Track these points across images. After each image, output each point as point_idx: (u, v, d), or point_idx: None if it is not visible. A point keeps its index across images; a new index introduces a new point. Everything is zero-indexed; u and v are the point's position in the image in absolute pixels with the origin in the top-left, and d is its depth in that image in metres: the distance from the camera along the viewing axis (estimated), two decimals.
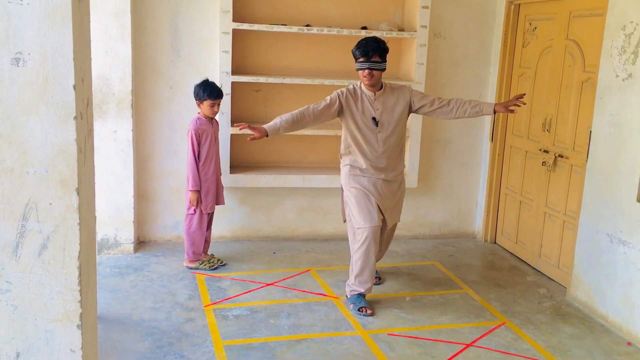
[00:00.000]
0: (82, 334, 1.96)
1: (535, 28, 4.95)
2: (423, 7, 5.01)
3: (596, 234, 4.08)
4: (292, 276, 4.59)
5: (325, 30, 4.94)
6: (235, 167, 5.11)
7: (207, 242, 4.72)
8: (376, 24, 5.15)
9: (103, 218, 4.74)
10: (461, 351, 3.58)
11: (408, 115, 4.07)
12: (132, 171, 4.82)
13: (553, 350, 3.65)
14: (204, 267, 4.63)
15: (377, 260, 4.20)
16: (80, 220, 1.90)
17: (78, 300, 1.93)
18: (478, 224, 5.67)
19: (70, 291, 1.92)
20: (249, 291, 4.29)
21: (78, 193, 1.88)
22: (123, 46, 4.62)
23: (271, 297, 4.21)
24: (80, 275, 1.92)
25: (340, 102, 3.89)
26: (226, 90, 4.81)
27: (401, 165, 4.09)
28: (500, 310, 4.16)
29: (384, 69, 3.87)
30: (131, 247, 4.90)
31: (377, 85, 3.92)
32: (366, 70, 3.81)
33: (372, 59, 3.78)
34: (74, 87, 1.82)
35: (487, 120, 5.47)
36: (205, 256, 4.71)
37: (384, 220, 4.04)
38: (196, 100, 4.49)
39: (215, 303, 4.08)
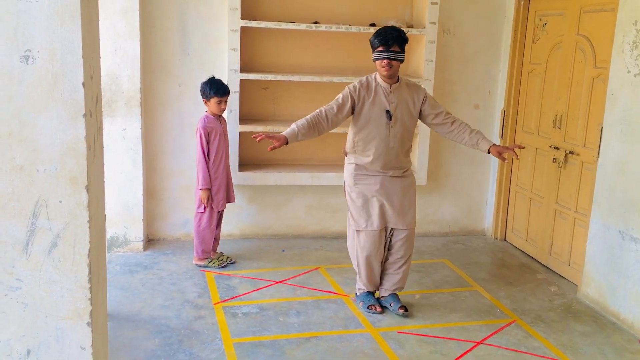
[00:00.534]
0: (92, 331, 1.96)
1: (546, 24, 4.91)
2: (432, 3, 4.99)
3: (607, 231, 4.05)
4: (301, 274, 4.58)
5: (334, 28, 4.93)
6: (243, 165, 5.11)
7: (216, 240, 4.72)
8: (385, 20, 5.12)
9: (112, 216, 4.75)
10: (471, 349, 3.56)
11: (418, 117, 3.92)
12: (141, 169, 4.83)
13: (564, 348, 3.62)
14: (213, 265, 4.63)
15: (397, 287, 3.98)
16: (90, 217, 1.90)
17: (88, 298, 1.93)
18: (488, 222, 5.64)
19: (81, 288, 1.92)
20: (258, 289, 4.29)
21: (88, 191, 1.88)
22: (132, 44, 4.63)
23: (280, 295, 4.20)
24: (90, 272, 1.92)
25: (352, 97, 3.73)
26: (234, 88, 4.81)
27: (408, 162, 3.93)
28: (511, 308, 4.13)
29: (403, 60, 3.70)
30: (141, 245, 4.91)
31: (394, 77, 3.74)
32: (385, 60, 3.63)
33: (391, 49, 3.61)
34: (83, 84, 1.82)
35: (497, 117, 5.44)
36: (214, 254, 4.71)
37: (395, 224, 3.85)
38: (203, 98, 4.49)
39: (224, 301, 4.08)
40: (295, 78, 4.95)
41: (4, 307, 1.90)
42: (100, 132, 2.09)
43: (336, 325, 3.79)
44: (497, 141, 5.43)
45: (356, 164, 3.84)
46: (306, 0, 5.10)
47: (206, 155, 4.45)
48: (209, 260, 4.65)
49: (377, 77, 3.77)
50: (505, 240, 5.54)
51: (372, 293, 3.98)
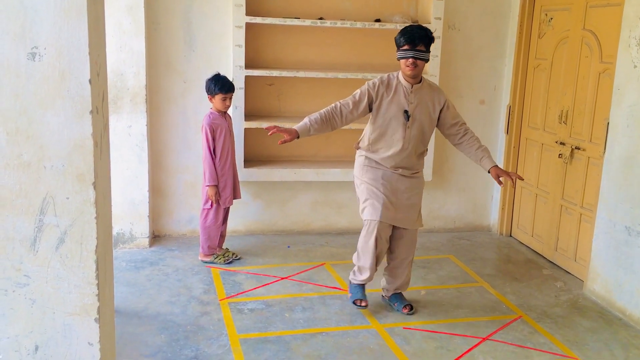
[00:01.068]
0: (99, 327, 1.97)
1: (551, 19, 4.89)
2: None
3: (614, 227, 4.04)
4: (307, 270, 4.59)
5: (339, 23, 4.92)
6: (249, 162, 5.12)
7: (222, 236, 4.73)
8: (390, 16, 5.12)
9: (118, 213, 4.76)
10: (477, 345, 3.56)
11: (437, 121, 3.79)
12: (147, 166, 4.84)
13: (570, 344, 3.62)
14: (219, 261, 4.64)
15: (400, 287, 3.96)
16: (97, 214, 1.90)
17: (95, 294, 1.94)
18: (493, 217, 5.63)
19: (88, 285, 1.93)
20: (264, 285, 4.30)
21: (95, 187, 1.88)
22: (137, 41, 4.63)
23: (286, 291, 4.21)
24: (97, 269, 1.93)
25: (370, 94, 3.61)
26: (240, 84, 4.81)
27: (421, 165, 3.84)
28: (517, 304, 4.13)
29: (428, 60, 3.58)
30: (146, 241, 4.93)
31: (417, 77, 3.62)
32: (410, 59, 3.50)
33: (417, 47, 3.49)
34: (90, 81, 1.82)
35: (502, 112, 5.42)
36: (220, 250, 4.72)
37: (399, 223, 3.77)
38: (208, 94, 4.50)
39: (230, 297, 4.09)
40: (301, 74, 4.94)
41: (12, 303, 1.91)
42: (106, 129, 2.10)
43: (342, 321, 3.79)
44: (503, 137, 5.42)
45: (366, 157, 3.78)
46: None
47: (212, 151, 4.46)
48: (215, 256, 4.66)
49: (400, 76, 3.65)
50: (510, 235, 5.53)
51: (361, 286, 3.88)
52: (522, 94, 5.27)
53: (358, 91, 3.68)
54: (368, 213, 3.71)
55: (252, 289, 4.22)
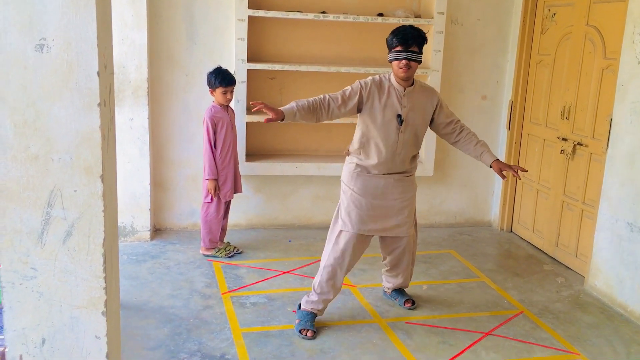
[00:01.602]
0: (106, 320, 1.96)
1: (555, 14, 4.88)
2: None
3: (616, 223, 4.04)
4: (308, 264, 4.59)
5: (342, 17, 4.90)
6: (250, 155, 5.11)
7: (223, 230, 4.73)
8: (392, 10, 5.10)
9: (120, 206, 4.73)
10: (479, 340, 3.57)
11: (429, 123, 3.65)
12: (149, 159, 4.83)
13: (572, 339, 3.63)
14: (220, 254, 4.64)
15: (402, 285, 3.93)
16: (104, 207, 1.89)
17: (103, 287, 1.93)
18: (494, 213, 5.64)
19: (95, 278, 1.93)
20: (266, 279, 4.30)
21: (102, 180, 1.87)
22: (139, 34, 4.61)
23: (288, 285, 4.21)
24: (105, 262, 1.92)
25: (361, 93, 3.43)
26: (242, 77, 4.80)
27: (414, 168, 3.67)
28: (518, 299, 4.14)
29: (421, 62, 3.42)
30: (147, 234, 4.92)
31: (410, 80, 3.46)
32: (403, 61, 3.34)
33: (410, 49, 3.34)
34: (98, 73, 1.81)
35: (504, 108, 5.42)
36: (221, 244, 4.72)
37: (390, 233, 3.63)
38: (209, 88, 4.48)
39: (232, 290, 4.09)
40: (303, 68, 4.93)
41: (19, 296, 1.90)
42: (113, 122, 2.09)
43: (344, 316, 3.79)
44: (505, 133, 5.42)
45: (357, 164, 3.56)
46: None
47: (213, 145, 4.44)
48: (216, 250, 4.66)
49: (392, 78, 3.49)
50: (511, 231, 5.53)
51: (314, 315, 3.61)
52: (524, 89, 5.27)
53: (349, 88, 3.48)
54: (344, 223, 3.54)
55: (254, 283, 4.22)
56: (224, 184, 4.53)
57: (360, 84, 3.48)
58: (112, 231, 2.07)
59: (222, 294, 4.04)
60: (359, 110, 3.50)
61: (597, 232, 4.22)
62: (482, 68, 5.37)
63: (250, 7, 4.78)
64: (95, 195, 1.88)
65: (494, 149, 5.49)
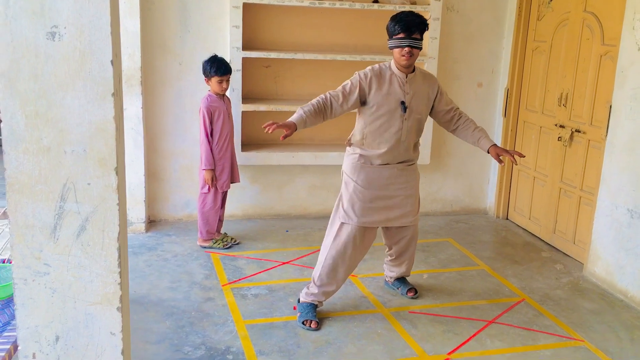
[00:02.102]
0: (122, 316, 1.92)
1: (551, 1, 4.86)
2: None
3: (616, 210, 4.05)
4: (307, 254, 4.55)
5: (337, 4, 4.84)
6: (246, 145, 5.04)
7: (220, 220, 4.67)
8: None
9: None
10: (484, 328, 3.57)
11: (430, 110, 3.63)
12: (143, 150, 4.75)
13: (575, 326, 3.64)
14: (218, 246, 4.59)
15: (404, 274, 3.92)
16: (119, 200, 1.84)
17: (118, 282, 1.88)
18: (490, 200, 5.64)
19: (110, 273, 1.87)
20: (265, 270, 4.26)
21: (117, 173, 1.82)
22: (131, 22, 4.52)
23: (288, 276, 4.18)
24: (120, 256, 1.87)
25: (361, 86, 3.39)
26: (237, 66, 4.73)
27: (416, 156, 3.65)
28: (519, 287, 4.14)
29: (421, 48, 3.39)
30: (142, 226, 4.85)
31: (411, 67, 3.43)
32: (406, 48, 3.30)
33: (413, 36, 3.30)
34: (112, 62, 1.75)
35: (500, 95, 5.41)
36: (218, 235, 4.66)
37: (395, 223, 3.61)
38: (204, 77, 4.41)
39: (232, 282, 4.04)
40: (299, 56, 4.87)
41: (31, 292, 1.84)
42: (122, 112, 2.03)
43: (347, 306, 3.77)
44: (501, 120, 5.41)
45: (360, 155, 3.51)
46: None
47: (209, 135, 4.38)
48: (214, 241, 4.61)
49: (392, 66, 3.45)
50: (507, 218, 5.54)
51: (315, 306, 3.57)
52: (520, 76, 5.25)
53: (348, 82, 3.43)
54: (347, 216, 3.49)
55: (253, 274, 4.18)
56: (221, 174, 4.47)
57: (360, 76, 3.43)
58: (124, 225, 2.02)
59: (223, 285, 3.99)
60: (363, 103, 3.45)
61: (597, 218, 4.24)
62: (478, 55, 5.35)
63: None
64: (110, 188, 1.82)
65: (490, 137, 5.47)
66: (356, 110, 3.55)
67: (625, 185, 3.97)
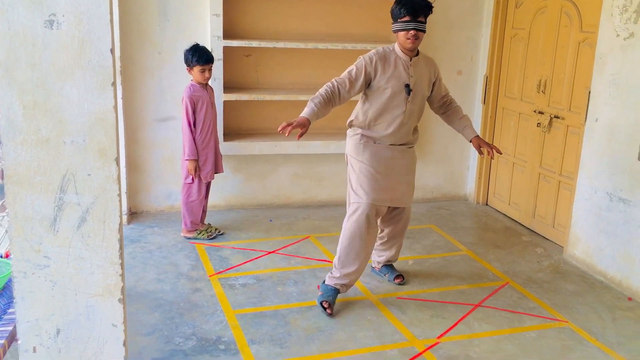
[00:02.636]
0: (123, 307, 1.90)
1: None
2: None
3: (595, 193, 4.14)
4: (292, 243, 4.56)
5: None
6: (228, 135, 5.01)
7: (204, 211, 4.65)
8: None
9: None
10: (471, 312, 3.62)
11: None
12: (123, 140, 4.69)
13: (558, 307, 3.72)
14: (202, 236, 4.57)
15: (392, 259, 3.96)
16: (119, 191, 1.82)
17: (119, 274, 1.87)
18: (470, 187, 5.71)
19: (111, 265, 1.86)
20: (251, 260, 4.25)
21: (117, 163, 1.80)
22: None
23: (275, 265, 4.18)
24: (120, 248, 1.85)
25: (366, 70, 3.39)
26: (218, 55, 4.69)
27: (416, 139, 3.71)
28: (502, 271, 4.22)
29: (426, 32, 3.42)
30: (124, 218, 4.80)
31: (415, 50, 3.48)
32: (411, 32, 3.32)
33: (418, 19, 3.32)
34: (111, 51, 1.73)
35: (479, 83, 5.46)
36: (202, 225, 4.64)
37: (396, 203, 3.67)
38: (186, 66, 4.36)
39: (219, 272, 4.03)
40: (280, 45, 4.85)
41: (31, 285, 1.82)
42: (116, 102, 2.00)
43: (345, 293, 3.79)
44: (480, 107, 5.47)
45: (362, 134, 3.56)
46: None
47: (192, 125, 4.34)
48: (198, 232, 4.58)
49: (397, 49, 3.46)
50: (487, 204, 5.62)
51: (337, 291, 3.60)
52: (499, 64, 5.31)
53: (353, 67, 3.43)
54: (357, 195, 3.52)
55: (240, 264, 4.17)
56: (204, 165, 4.44)
57: (365, 60, 3.43)
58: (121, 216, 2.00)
59: (210, 276, 3.98)
60: (368, 86, 3.47)
61: (576, 202, 4.32)
62: (458, 43, 5.39)
63: None
64: (110, 179, 1.81)
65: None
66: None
67: (604, 169, 4.06)
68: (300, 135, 3.19)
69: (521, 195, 5.11)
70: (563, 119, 4.58)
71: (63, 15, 1.67)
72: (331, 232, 4.78)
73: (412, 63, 3.48)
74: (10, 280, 2.21)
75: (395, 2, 3.40)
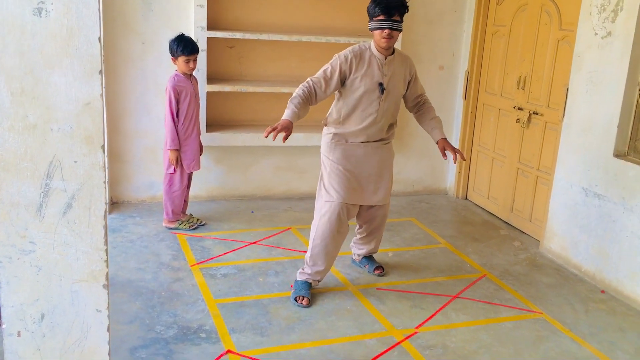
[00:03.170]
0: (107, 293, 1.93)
1: None
2: None
3: (571, 188, 4.24)
4: (274, 235, 4.60)
5: None
6: (210, 126, 5.03)
7: (185, 202, 4.66)
8: None
9: None
10: (448, 302, 3.70)
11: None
12: (105, 130, 4.67)
13: (533, 299, 3.81)
14: (184, 227, 4.58)
15: (372, 251, 4.01)
16: (105, 178, 1.84)
17: (104, 260, 1.90)
18: (450, 181, 5.79)
19: (96, 250, 1.88)
20: (233, 250, 4.28)
21: (103, 150, 1.82)
22: None
23: (256, 256, 4.22)
24: (106, 234, 1.88)
25: (341, 69, 3.42)
26: (202, 46, 4.69)
27: (392, 136, 3.73)
28: (480, 263, 4.30)
29: (401, 30, 3.45)
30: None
31: (391, 49, 3.49)
32: (386, 30, 3.34)
33: (393, 18, 3.34)
34: (100, 39, 1.75)
35: (460, 78, 5.53)
36: (184, 216, 4.66)
37: (368, 202, 3.69)
38: (171, 56, 4.37)
39: (200, 262, 4.06)
40: (264, 37, 4.87)
41: (16, 271, 1.84)
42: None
43: (317, 285, 3.84)
44: (461, 102, 5.55)
45: (334, 134, 3.58)
46: None
47: (175, 115, 4.35)
48: (179, 222, 4.60)
49: (372, 47, 3.49)
50: (466, 198, 5.71)
51: (308, 284, 3.66)
52: (480, 60, 5.39)
53: (328, 66, 3.45)
54: (328, 194, 3.56)
55: (221, 254, 4.20)
56: (186, 155, 4.46)
57: (340, 59, 3.46)
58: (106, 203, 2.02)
59: (191, 266, 4.00)
60: (342, 84, 3.50)
61: (553, 197, 4.42)
62: (440, 38, 5.45)
63: None
64: (97, 166, 1.83)
65: (451, 119, 5.63)
66: None
67: (580, 165, 4.15)
68: (286, 138, 3.26)
69: (500, 190, 5.20)
70: (542, 115, 4.67)
71: (52, 4, 1.69)
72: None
73: (386, 62, 3.50)
74: None
75: (371, 1, 3.42)
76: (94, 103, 1.78)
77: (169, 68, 4.61)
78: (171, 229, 4.58)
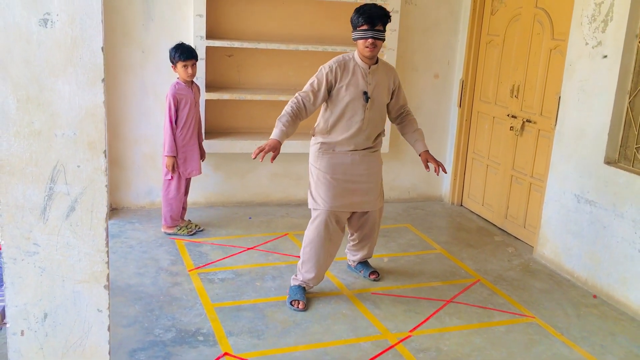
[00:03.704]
0: (108, 294, 1.99)
1: None
2: None
3: (563, 195, 4.31)
4: (271, 240, 4.66)
5: None
6: (209, 133, 5.10)
7: (183, 208, 4.73)
8: None
9: None
10: (442, 307, 3.76)
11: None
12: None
13: (527, 304, 3.87)
14: (182, 232, 4.65)
15: (366, 256, 4.06)
16: (107, 182, 1.91)
17: (105, 261, 1.96)
18: (445, 188, 5.86)
19: (98, 252, 1.95)
20: (230, 255, 4.35)
21: (105, 155, 1.89)
22: None
23: (253, 261, 4.28)
24: (107, 236, 1.94)
25: (327, 80, 3.49)
26: (200, 55, 4.77)
27: (379, 144, 3.78)
28: (474, 269, 4.36)
29: (384, 40, 3.53)
30: None
31: (374, 58, 3.56)
32: (369, 40, 3.41)
33: (376, 28, 3.40)
34: (102, 49, 1.82)
35: (455, 86, 5.62)
36: (182, 222, 4.72)
37: (357, 208, 3.73)
38: (171, 64, 4.45)
39: (198, 267, 4.12)
40: (262, 46, 4.95)
41: (20, 271, 1.90)
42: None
43: (312, 288, 3.90)
44: (456, 110, 5.63)
45: (322, 143, 3.64)
46: None
47: (173, 122, 4.42)
48: (178, 228, 4.66)
49: (356, 57, 3.55)
50: (461, 205, 5.78)
51: (303, 288, 3.72)
52: (474, 68, 5.47)
53: (314, 79, 3.52)
54: (316, 202, 3.63)
55: (219, 260, 4.26)
56: (184, 162, 4.53)
57: (325, 70, 3.52)
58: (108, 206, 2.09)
59: (189, 270, 4.06)
60: (329, 95, 3.56)
61: (546, 204, 4.49)
62: (435, 47, 5.54)
63: None
64: (99, 171, 1.89)
65: (446, 126, 5.71)
66: None
67: (572, 172, 4.22)
68: (273, 158, 3.30)
69: (494, 197, 5.27)
70: (535, 123, 4.74)
71: (57, 15, 1.76)
72: None
73: (370, 71, 3.55)
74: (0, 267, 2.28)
75: (354, 11, 3.49)
76: (96, 110, 1.85)
77: (168, 76, 4.68)
78: (170, 234, 4.64)
